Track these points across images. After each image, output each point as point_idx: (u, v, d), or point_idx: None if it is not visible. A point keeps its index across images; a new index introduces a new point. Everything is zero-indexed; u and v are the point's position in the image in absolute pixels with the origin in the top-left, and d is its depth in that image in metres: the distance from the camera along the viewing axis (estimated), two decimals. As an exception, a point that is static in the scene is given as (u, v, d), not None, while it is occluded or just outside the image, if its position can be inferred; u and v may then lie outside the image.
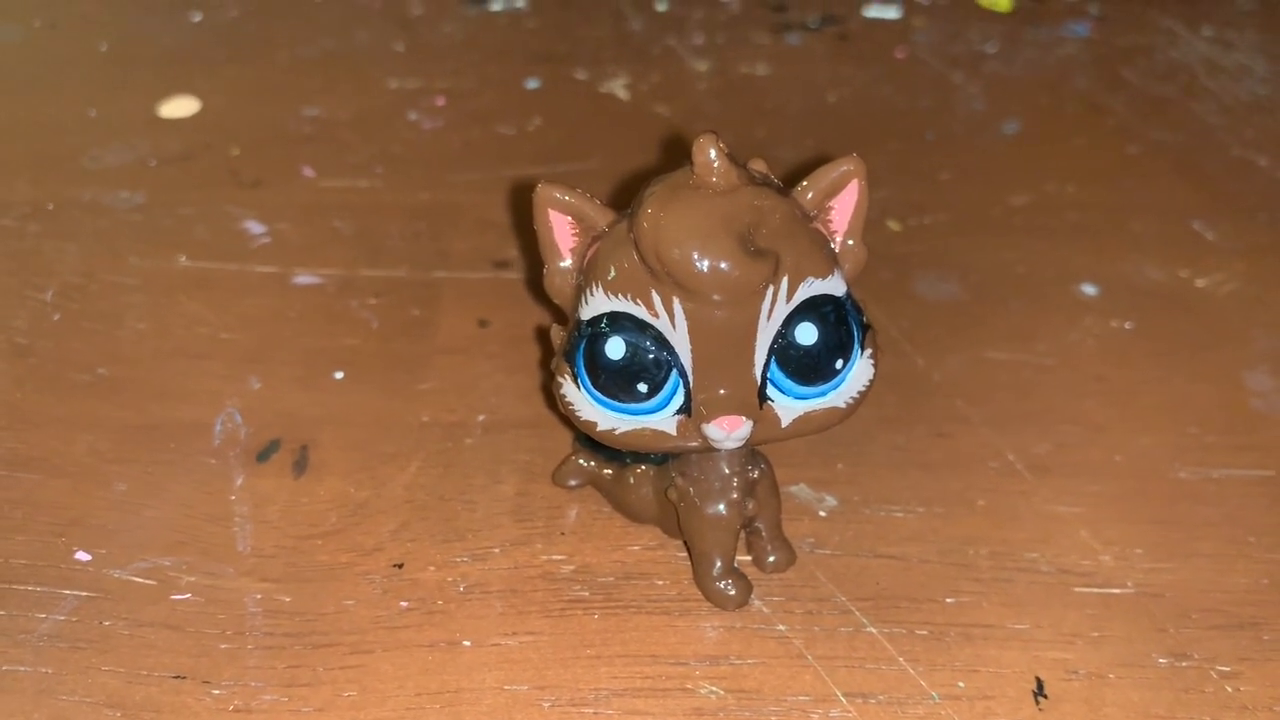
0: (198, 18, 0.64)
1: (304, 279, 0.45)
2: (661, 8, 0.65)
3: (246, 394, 0.40)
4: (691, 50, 0.61)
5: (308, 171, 0.51)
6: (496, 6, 0.65)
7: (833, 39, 0.63)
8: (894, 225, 0.49)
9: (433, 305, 0.44)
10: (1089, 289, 0.45)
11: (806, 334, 0.29)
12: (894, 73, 0.60)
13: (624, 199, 0.29)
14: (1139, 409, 0.40)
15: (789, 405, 0.29)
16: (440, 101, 0.56)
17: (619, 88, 0.58)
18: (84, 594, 0.33)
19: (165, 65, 0.60)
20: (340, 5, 0.65)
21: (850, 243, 0.30)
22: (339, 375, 0.41)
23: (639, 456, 0.34)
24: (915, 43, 0.63)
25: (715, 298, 0.27)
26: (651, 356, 0.28)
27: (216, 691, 0.31)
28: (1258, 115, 0.57)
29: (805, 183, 0.29)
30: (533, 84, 0.58)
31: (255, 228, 0.48)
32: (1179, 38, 0.63)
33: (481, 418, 0.39)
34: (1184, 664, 0.32)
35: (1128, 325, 0.44)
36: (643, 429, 0.29)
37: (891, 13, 0.65)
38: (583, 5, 0.65)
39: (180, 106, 0.56)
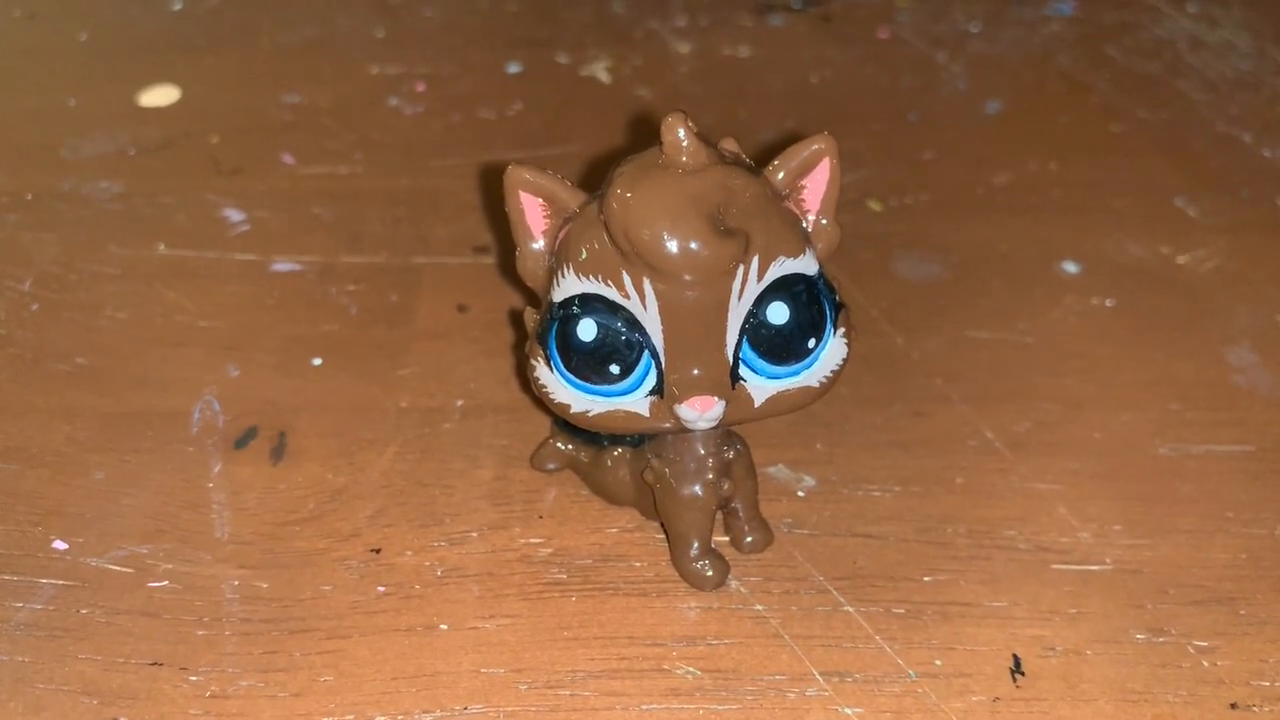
0: (178, 6, 0.63)
1: (283, 266, 0.45)
2: (644, -10, 0.65)
3: (225, 381, 0.40)
4: (674, 32, 0.61)
5: (288, 159, 0.51)
6: (478, -9, 0.65)
7: (816, 20, 0.62)
8: (875, 205, 0.49)
9: (412, 291, 0.44)
10: (1070, 267, 0.45)
11: (778, 313, 0.29)
12: (877, 53, 0.60)
13: (601, 181, 0.29)
14: (1120, 386, 0.40)
15: (762, 385, 0.29)
16: (421, 87, 0.56)
17: (601, 71, 0.58)
18: (61, 582, 0.33)
19: (145, 54, 0.59)
20: (321, -9, 0.65)
21: (823, 221, 0.30)
22: (317, 362, 0.41)
23: (616, 439, 0.34)
24: (898, 23, 0.62)
25: (686, 278, 0.27)
26: (623, 338, 0.28)
27: (194, 678, 0.31)
28: (1242, 92, 0.57)
29: (776, 162, 0.29)
30: (514, 68, 0.58)
31: (235, 215, 0.48)
32: (1163, 15, 0.63)
33: (460, 403, 0.39)
34: (1161, 640, 0.32)
35: (1109, 303, 0.44)
36: (616, 411, 0.29)
37: (875, -7, 0.65)
38: (564, -11, 0.65)
39: (160, 95, 0.56)
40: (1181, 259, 0.46)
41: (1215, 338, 0.42)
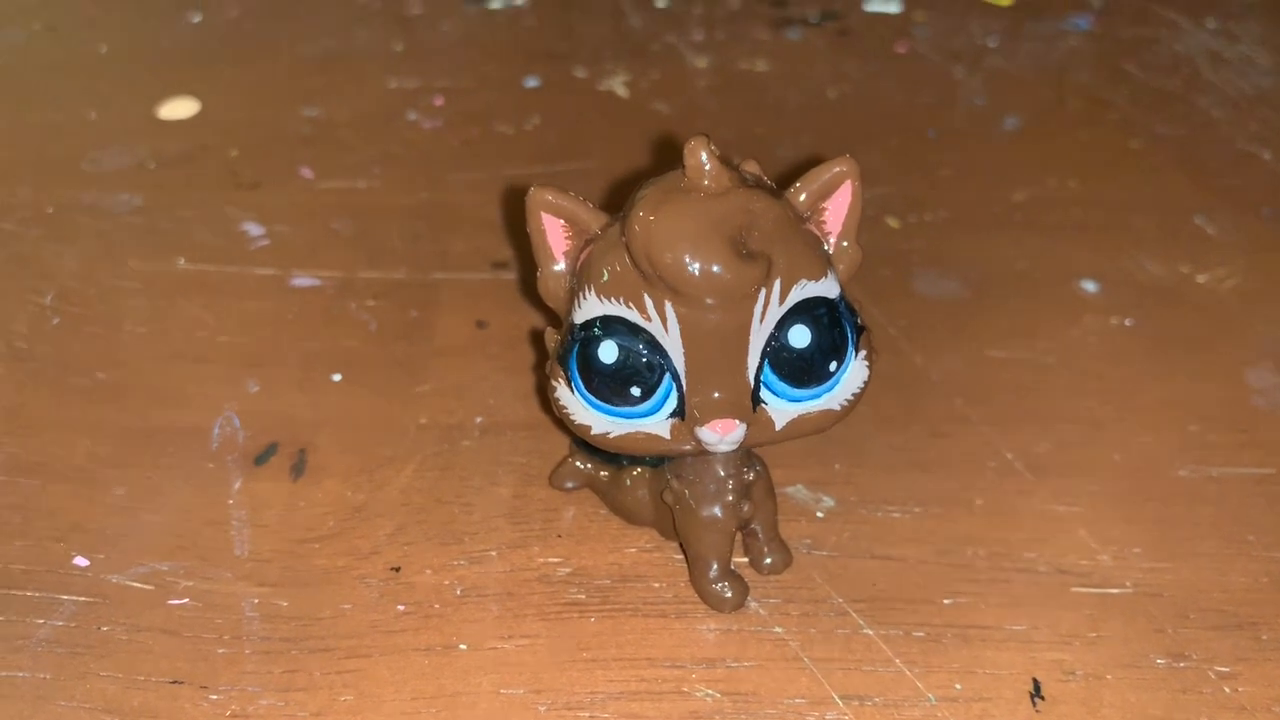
0: (197, 19, 0.64)
1: (302, 281, 0.45)
2: (661, 4, 0.65)
3: (244, 397, 0.40)
4: (691, 47, 0.61)
5: (306, 173, 0.51)
6: (495, 4, 0.65)
7: (833, 34, 0.63)
8: (893, 222, 0.48)
9: (431, 307, 0.44)
10: (1089, 285, 0.45)
11: (799, 337, 0.28)
12: (895, 68, 0.60)
13: (622, 198, 0.29)
14: (1139, 407, 0.40)
15: (783, 408, 0.29)
16: (439, 101, 0.56)
17: (618, 85, 0.58)
18: (82, 599, 0.33)
19: (165, 67, 0.60)
20: (339, 5, 0.65)
21: (844, 244, 0.30)
22: (337, 378, 0.41)
23: (635, 459, 0.34)
24: (916, 37, 0.62)
25: (708, 301, 0.27)
26: (644, 360, 0.28)
27: (214, 696, 0.31)
28: (1261, 108, 0.56)
29: (798, 184, 0.29)
30: (532, 82, 0.58)
31: (254, 229, 0.48)
32: (1182, 30, 0.63)
33: (479, 420, 0.39)
34: (1182, 664, 0.32)
35: (1128, 322, 0.43)
36: (636, 433, 0.29)
37: (892, 7, 0.65)
38: (582, 3, 0.65)
39: (180, 108, 0.56)
40: (1201, 278, 0.46)
41: (1235, 358, 0.42)
